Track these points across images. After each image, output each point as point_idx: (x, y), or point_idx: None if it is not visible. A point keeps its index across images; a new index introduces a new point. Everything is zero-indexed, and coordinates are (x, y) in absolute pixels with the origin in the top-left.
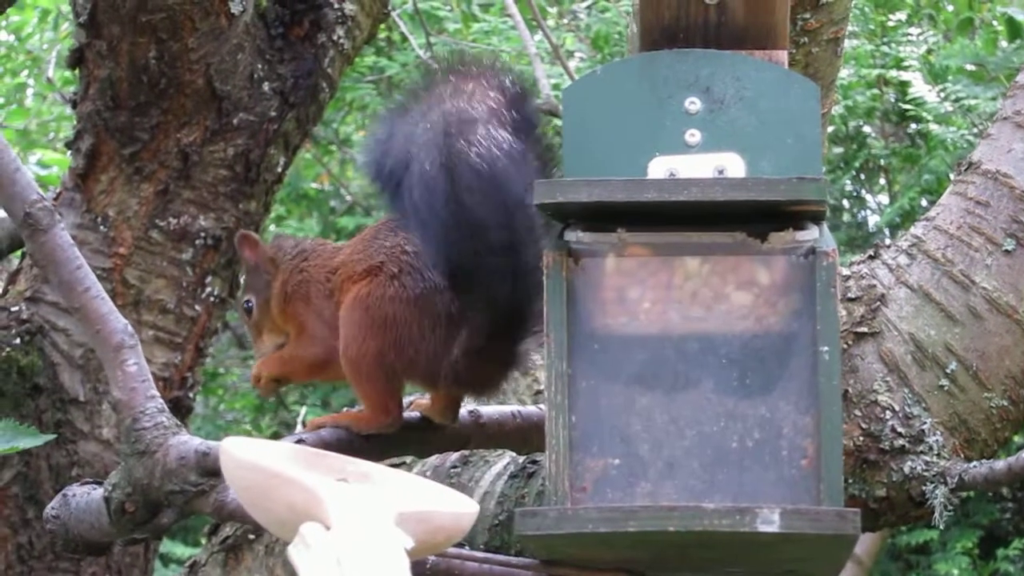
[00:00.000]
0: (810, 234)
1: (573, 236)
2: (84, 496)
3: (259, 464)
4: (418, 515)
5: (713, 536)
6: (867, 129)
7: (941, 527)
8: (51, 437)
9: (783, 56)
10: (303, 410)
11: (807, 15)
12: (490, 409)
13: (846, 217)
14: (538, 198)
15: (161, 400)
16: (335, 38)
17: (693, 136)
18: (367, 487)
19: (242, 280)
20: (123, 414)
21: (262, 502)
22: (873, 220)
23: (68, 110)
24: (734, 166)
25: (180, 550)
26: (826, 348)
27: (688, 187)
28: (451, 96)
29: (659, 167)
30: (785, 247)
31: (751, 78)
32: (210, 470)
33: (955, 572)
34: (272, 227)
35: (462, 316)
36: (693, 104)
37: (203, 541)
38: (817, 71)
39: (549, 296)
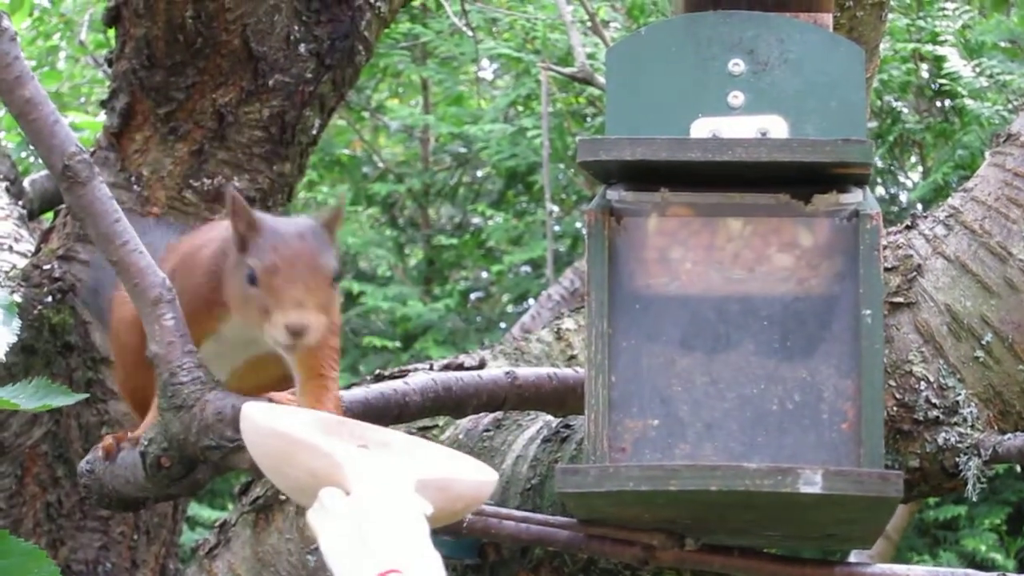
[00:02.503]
0: (854, 197)
1: (615, 195)
2: (120, 451)
3: (279, 430)
4: (438, 482)
5: (755, 497)
6: (899, 105)
7: (974, 499)
8: (83, 396)
9: (828, 19)
10: None
11: None
12: (526, 371)
13: (879, 192)
14: (581, 156)
15: (199, 355)
16: (372, 0)
17: (736, 98)
18: (387, 454)
19: None
20: (160, 368)
21: (282, 467)
22: (905, 196)
23: (100, 73)
24: (777, 128)
25: (207, 513)
26: (868, 311)
27: (732, 147)
28: None
29: (702, 128)
30: (829, 209)
31: (795, 40)
32: None
33: (983, 548)
34: (303, 193)
35: None
36: (737, 66)
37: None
38: (861, 35)
39: (591, 255)
